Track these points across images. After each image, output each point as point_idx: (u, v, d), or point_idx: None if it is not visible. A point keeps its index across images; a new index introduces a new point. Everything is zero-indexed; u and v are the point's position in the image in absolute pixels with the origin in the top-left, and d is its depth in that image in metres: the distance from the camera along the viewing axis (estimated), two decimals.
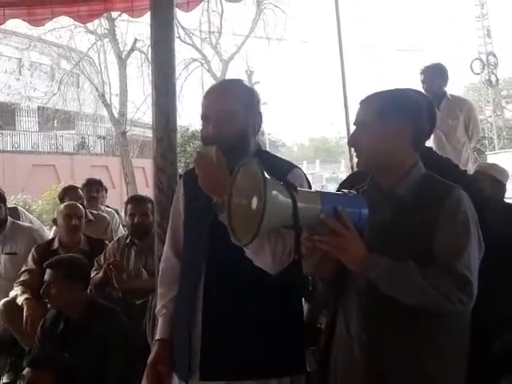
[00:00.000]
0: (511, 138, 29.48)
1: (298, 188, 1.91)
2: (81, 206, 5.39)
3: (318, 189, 2.17)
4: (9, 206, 5.84)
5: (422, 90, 5.82)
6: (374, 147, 2.18)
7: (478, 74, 28.72)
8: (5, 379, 4.78)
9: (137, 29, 20.58)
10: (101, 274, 4.51)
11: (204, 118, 2.48)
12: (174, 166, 3.39)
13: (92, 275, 4.47)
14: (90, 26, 18.78)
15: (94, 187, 6.73)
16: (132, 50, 20.69)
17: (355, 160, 2.36)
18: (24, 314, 4.60)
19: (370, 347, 2.17)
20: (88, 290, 4.21)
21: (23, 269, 5.02)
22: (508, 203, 3.90)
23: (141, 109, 20.46)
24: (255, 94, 2.53)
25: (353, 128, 2.30)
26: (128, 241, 4.81)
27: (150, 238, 4.10)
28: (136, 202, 4.95)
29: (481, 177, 4.32)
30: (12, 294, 4.87)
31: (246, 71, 27.08)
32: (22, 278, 4.96)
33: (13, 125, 25.28)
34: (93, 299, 4.12)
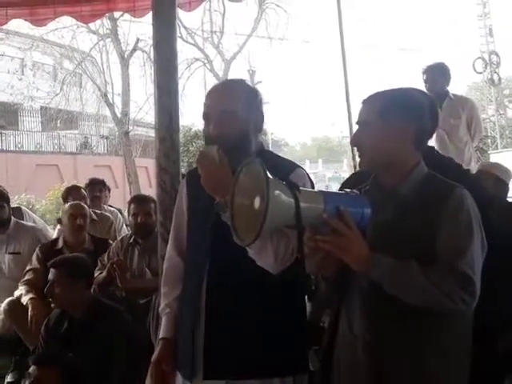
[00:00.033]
0: None
1: (301, 188, 1.92)
2: (86, 206, 5.40)
3: (322, 188, 2.17)
4: (12, 205, 5.86)
5: (425, 90, 5.82)
6: (377, 147, 2.18)
7: (481, 73, 28.71)
8: (9, 378, 4.79)
9: (139, 29, 20.56)
10: (104, 273, 4.52)
11: (205, 117, 2.48)
12: (176, 165, 3.40)
13: (95, 275, 4.48)
14: (92, 26, 18.85)
15: (97, 187, 6.75)
16: (134, 49, 20.72)
17: (358, 159, 2.36)
18: (29, 313, 4.62)
19: (374, 346, 2.17)
20: (91, 290, 4.22)
21: (28, 268, 5.03)
22: (511, 202, 3.90)
23: (143, 108, 20.52)
24: (258, 93, 2.53)
25: (355, 127, 2.30)
26: (131, 240, 4.82)
27: (153, 237, 4.11)
28: (139, 201, 4.96)
29: (483, 176, 4.31)
30: (17, 293, 4.89)
31: (248, 71, 27.07)
32: (26, 278, 4.97)
33: (16, 125, 25.30)
34: (96, 298, 4.13)
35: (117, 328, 3.82)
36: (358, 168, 3.88)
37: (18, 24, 7.20)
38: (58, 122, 23.81)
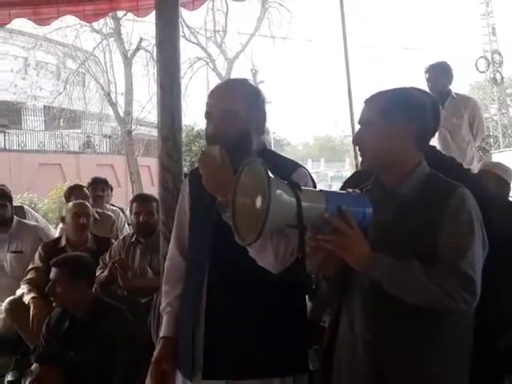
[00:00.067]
0: None
1: (302, 187, 1.92)
2: (89, 205, 5.40)
3: (325, 188, 2.17)
4: (15, 204, 5.86)
5: (427, 89, 5.82)
6: (379, 146, 2.18)
7: (483, 72, 28.63)
8: (9, 377, 4.78)
9: (142, 28, 20.60)
10: (106, 272, 4.52)
11: (207, 116, 2.49)
12: (179, 164, 3.40)
13: (97, 274, 4.47)
14: (95, 25, 18.85)
15: (100, 186, 6.75)
16: (137, 49, 20.71)
17: (360, 159, 2.36)
18: (31, 312, 4.61)
19: (374, 346, 2.17)
20: (93, 289, 4.22)
21: (30, 267, 5.03)
22: None
23: (146, 108, 20.49)
24: (260, 93, 2.54)
25: (357, 127, 2.30)
26: (133, 239, 4.83)
27: (155, 236, 4.11)
28: (141, 200, 4.96)
29: (485, 175, 4.31)
30: (19, 292, 4.89)
31: (251, 70, 27.05)
32: (28, 276, 4.97)
33: (19, 124, 25.32)
34: (98, 298, 4.13)
35: (118, 327, 3.82)
36: (359, 167, 3.87)
37: (22, 23, 7.21)
38: (61, 121, 23.83)
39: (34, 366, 3.78)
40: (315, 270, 2.16)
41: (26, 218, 5.94)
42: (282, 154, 2.78)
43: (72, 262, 4.11)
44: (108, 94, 20.66)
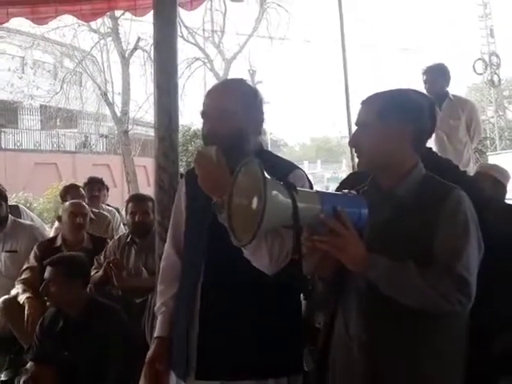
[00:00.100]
0: None
1: (298, 188, 1.92)
2: (86, 205, 5.40)
3: (321, 189, 2.18)
4: (10, 203, 5.85)
5: (424, 90, 5.82)
6: (375, 148, 2.18)
7: (481, 74, 28.70)
8: (3, 377, 4.78)
9: (140, 28, 20.56)
10: (101, 272, 4.52)
11: (203, 115, 2.49)
12: (175, 165, 3.40)
13: (92, 273, 4.47)
14: (93, 24, 18.83)
15: (96, 186, 6.74)
16: (135, 48, 20.71)
17: (356, 160, 2.36)
18: (25, 312, 4.60)
19: (370, 347, 2.17)
20: (88, 289, 4.22)
21: (25, 266, 5.02)
22: (509, 204, 3.89)
23: (143, 107, 20.51)
24: (258, 93, 2.54)
25: (354, 128, 2.30)
26: (128, 239, 4.82)
27: (151, 236, 4.11)
28: (137, 200, 4.96)
29: (482, 177, 4.31)
30: (13, 292, 4.88)
31: (249, 70, 27.08)
32: (23, 276, 4.96)
33: (15, 123, 25.26)
34: (92, 297, 4.12)
35: (113, 327, 3.82)
36: (356, 169, 3.88)
37: (20, 22, 7.21)
38: (58, 120, 23.79)
39: (29, 365, 3.78)
40: (311, 271, 2.16)
41: (21, 218, 5.92)
42: (279, 154, 2.78)
43: (67, 261, 4.10)
44: (105, 94, 20.66)
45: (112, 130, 24.89)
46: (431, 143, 5.33)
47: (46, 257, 4.30)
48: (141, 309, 4.19)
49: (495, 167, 4.79)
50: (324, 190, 2.17)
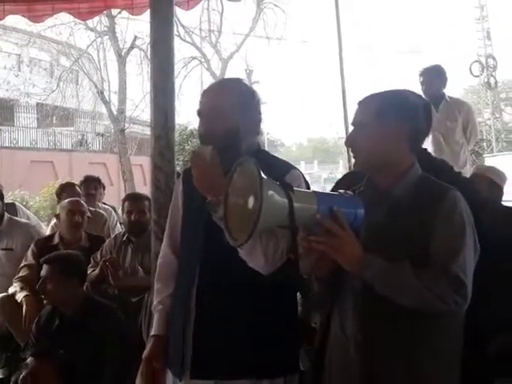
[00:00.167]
0: (509, 140, 29.52)
1: (295, 188, 1.92)
2: (84, 203, 5.39)
3: (318, 190, 2.18)
4: (6, 201, 5.84)
5: (421, 92, 5.83)
6: (372, 148, 2.19)
7: (477, 76, 28.75)
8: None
9: (137, 26, 20.57)
10: (97, 271, 4.51)
11: (199, 114, 2.50)
12: (171, 164, 3.39)
13: (88, 272, 4.46)
14: (89, 23, 18.81)
15: (92, 184, 6.72)
16: (132, 47, 20.68)
17: (353, 161, 2.37)
18: (23, 310, 4.59)
19: (366, 347, 2.17)
20: (84, 287, 4.21)
21: (22, 264, 5.01)
22: (505, 206, 3.90)
23: (139, 106, 20.48)
24: (255, 93, 2.54)
25: (351, 128, 2.30)
26: (125, 238, 4.81)
27: (147, 235, 4.10)
28: (133, 199, 4.96)
29: (478, 179, 4.32)
30: (11, 290, 4.86)
31: (246, 70, 27.08)
32: (21, 274, 4.95)
33: (11, 121, 25.23)
34: (89, 296, 4.12)
35: (109, 326, 3.82)
36: (353, 169, 3.88)
37: (16, 20, 7.21)
38: (54, 118, 23.77)
39: (29, 360, 3.78)
40: (307, 271, 2.16)
41: (17, 215, 5.92)
42: (276, 154, 2.78)
43: (63, 259, 4.10)
44: (101, 92, 20.62)
45: (108, 128, 24.89)
46: (428, 144, 5.35)
47: (43, 255, 4.29)
48: (137, 307, 4.18)
49: (492, 169, 4.80)
50: (320, 191, 2.17)
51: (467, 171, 5.86)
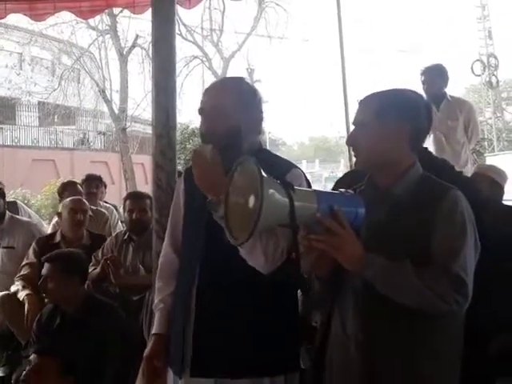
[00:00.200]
0: (511, 139, 29.50)
1: (295, 187, 1.92)
2: (86, 202, 5.39)
3: (320, 189, 2.17)
4: (8, 200, 5.84)
5: (422, 91, 5.83)
6: (372, 147, 2.19)
7: (479, 75, 28.72)
8: (1, 372, 4.77)
9: (138, 25, 20.53)
10: (98, 269, 4.51)
11: (200, 112, 2.50)
12: (173, 163, 3.40)
13: (90, 270, 4.47)
14: (91, 21, 18.83)
15: (94, 183, 6.72)
16: (133, 46, 20.67)
17: (354, 160, 2.37)
18: (25, 308, 4.60)
19: (367, 346, 2.18)
20: (85, 285, 4.22)
21: (24, 262, 5.01)
22: (507, 205, 3.90)
23: (141, 105, 20.47)
24: (257, 92, 2.54)
25: (352, 128, 2.31)
26: (126, 237, 4.81)
27: (148, 234, 4.11)
28: (134, 197, 4.96)
29: (479, 178, 4.32)
30: (13, 288, 4.87)
31: (247, 69, 27.05)
32: (22, 272, 4.95)
33: (13, 119, 25.24)
34: (90, 294, 4.12)
35: (110, 324, 3.82)
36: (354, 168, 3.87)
37: (18, 18, 7.19)
38: (56, 117, 23.76)
39: (32, 357, 3.78)
40: (308, 270, 2.16)
41: (18, 214, 5.92)
42: (277, 153, 2.78)
43: (65, 258, 4.10)
44: (103, 91, 20.62)
45: (110, 127, 24.87)
46: (429, 144, 5.35)
47: (45, 253, 4.29)
48: (138, 306, 4.19)
49: (493, 168, 4.80)
50: (321, 189, 2.17)
51: (468, 170, 5.86)
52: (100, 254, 4.75)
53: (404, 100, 2.22)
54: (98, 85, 20.74)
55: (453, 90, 7.34)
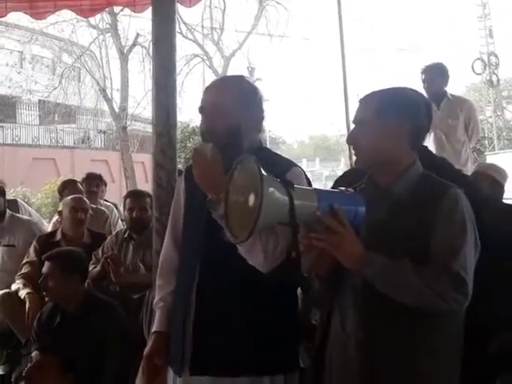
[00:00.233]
0: (511, 138, 29.47)
1: (295, 185, 1.92)
2: (87, 200, 5.39)
3: (320, 188, 2.17)
4: (8, 198, 5.85)
5: (423, 90, 5.83)
6: (373, 145, 2.19)
7: (480, 74, 28.69)
8: (0, 371, 4.77)
9: (139, 24, 20.49)
10: (98, 267, 4.51)
11: (201, 110, 2.50)
12: (173, 161, 3.40)
13: (90, 269, 4.47)
14: (92, 20, 18.81)
15: (94, 181, 6.72)
16: (134, 44, 20.66)
17: (355, 158, 2.37)
18: (26, 307, 4.60)
19: (366, 345, 2.17)
20: (85, 284, 4.22)
21: (25, 261, 5.02)
22: (507, 204, 3.90)
23: (141, 104, 20.48)
24: (258, 91, 2.53)
25: (353, 126, 2.31)
26: (126, 235, 4.82)
27: (148, 232, 4.11)
28: (135, 196, 4.96)
29: (480, 177, 4.32)
30: (14, 287, 4.87)
31: (248, 68, 27.01)
32: (23, 271, 4.96)
33: (13, 118, 25.26)
34: (90, 293, 4.12)
35: (110, 323, 3.82)
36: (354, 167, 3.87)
37: (18, 17, 7.19)
38: (56, 115, 23.75)
39: (34, 354, 3.78)
40: (308, 269, 2.16)
41: (19, 212, 5.93)
42: (278, 152, 2.78)
43: (65, 256, 4.10)
44: (103, 90, 20.61)
45: (110, 125, 24.88)
46: (430, 143, 5.35)
47: (46, 251, 4.29)
48: (138, 304, 4.19)
49: (493, 167, 4.80)
50: (321, 188, 2.17)
51: (469, 169, 5.87)
52: (100, 253, 4.75)
53: (404, 98, 2.22)
54: (98, 83, 20.74)
55: (453, 88, 7.34)
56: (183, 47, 20.92)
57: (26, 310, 4.57)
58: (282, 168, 2.34)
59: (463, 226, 2.08)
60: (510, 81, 35.46)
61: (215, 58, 23.94)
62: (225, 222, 2.01)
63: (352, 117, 2.34)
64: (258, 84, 2.64)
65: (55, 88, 21.03)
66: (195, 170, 2.34)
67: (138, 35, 20.20)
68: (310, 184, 2.49)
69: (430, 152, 3.16)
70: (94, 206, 6.08)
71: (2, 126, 23.71)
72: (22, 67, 24.38)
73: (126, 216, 4.96)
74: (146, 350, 2.61)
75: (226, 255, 2.26)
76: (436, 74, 6.34)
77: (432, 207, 2.10)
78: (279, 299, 2.44)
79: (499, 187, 4.45)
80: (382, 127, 2.17)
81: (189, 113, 23.85)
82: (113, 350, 3.72)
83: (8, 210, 5.46)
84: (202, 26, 23.10)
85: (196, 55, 23.26)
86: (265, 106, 2.56)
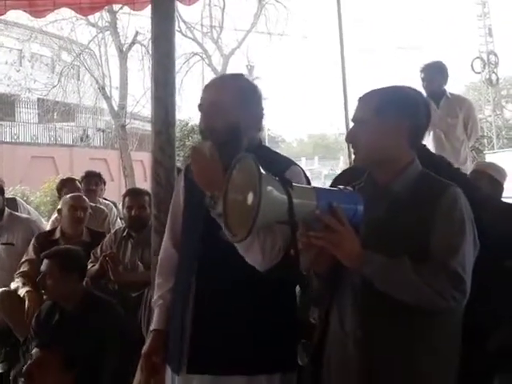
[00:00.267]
0: (510, 137, 29.47)
1: (294, 184, 1.92)
2: (86, 199, 5.39)
3: (319, 186, 2.17)
4: (7, 196, 5.84)
5: (422, 88, 5.83)
6: (372, 144, 2.19)
7: (479, 72, 28.67)
8: None
9: (138, 22, 20.45)
10: (97, 266, 4.51)
11: (200, 108, 2.49)
12: (172, 159, 3.40)
13: (88, 267, 4.47)
14: (91, 18, 18.72)
15: (93, 180, 6.72)
16: (133, 43, 20.62)
17: (354, 157, 2.37)
18: (26, 305, 4.59)
19: (365, 343, 2.18)
20: (84, 282, 4.22)
21: (24, 259, 5.01)
22: (506, 202, 3.90)
23: (140, 102, 20.42)
24: (257, 89, 2.53)
25: (352, 125, 2.31)
26: (125, 233, 4.82)
27: (147, 230, 4.10)
28: (133, 194, 4.96)
29: (479, 176, 4.32)
30: (13, 285, 4.87)
31: (247, 66, 26.97)
32: (22, 269, 4.95)
33: (12, 116, 25.21)
34: (89, 291, 4.12)
35: (109, 321, 3.82)
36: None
37: (17, 15, 7.18)
38: (55, 113, 23.72)
39: (34, 351, 3.78)
40: (306, 267, 2.16)
41: (18, 210, 5.92)
42: (277, 150, 2.78)
43: (63, 254, 4.10)
44: (102, 88, 20.58)
45: (109, 124, 24.84)
46: (429, 141, 5.35)
47: (45, 249, 4.30)
48: (137, 303, 4.20)
49: (492, 165, 4.80)
50: (320, 186, 2.17)
51: (468, 168, 5.86)
52: (99, 251, 4.75)
53: (403, 97, 2.22)
54: (97, 81, 20.70)
55: (452, 87, 7.35)
56: (182, 45, 20.94)
57: (26, 308, 4.57)
58: (280, 166, 2.34)
59: (462, 225, 2.08)
60: (510, 80, 35.47)
61: (214, 57, 23.93)
62: (223, 221, 2.01)
63: (351, 115, 2.34)
64: (257, 82, 2.64)
65: (54, 86, 21.00)
66: (194, 168, 2.34)
67: (137, 33, 20.18)
68: (308, 182, 2.49)
69: (429, 151, 3.16)
70: (93, 205, 6.07)
71: (1, 124, 23.67)
72: (21, 65, 24.36)
73: (124, 214, 4.96)
74: (145, 348, 2.62)
75: (225, 254, 2.26)
76: (435, 73, 6.34)
77: (431, 205, 2.10)
78: (278, 298, 2.44)
79: (498, 186, 4.45)
80: (381, 125, 2.17)
81: (188, 111, 23.81)
82: (111, 348, 3.72)
83: (7, 209, 5.45)
84: (202, 25, 23.08)
85: (195, 53, 23.23)
86: (264, 104, 2.56)
